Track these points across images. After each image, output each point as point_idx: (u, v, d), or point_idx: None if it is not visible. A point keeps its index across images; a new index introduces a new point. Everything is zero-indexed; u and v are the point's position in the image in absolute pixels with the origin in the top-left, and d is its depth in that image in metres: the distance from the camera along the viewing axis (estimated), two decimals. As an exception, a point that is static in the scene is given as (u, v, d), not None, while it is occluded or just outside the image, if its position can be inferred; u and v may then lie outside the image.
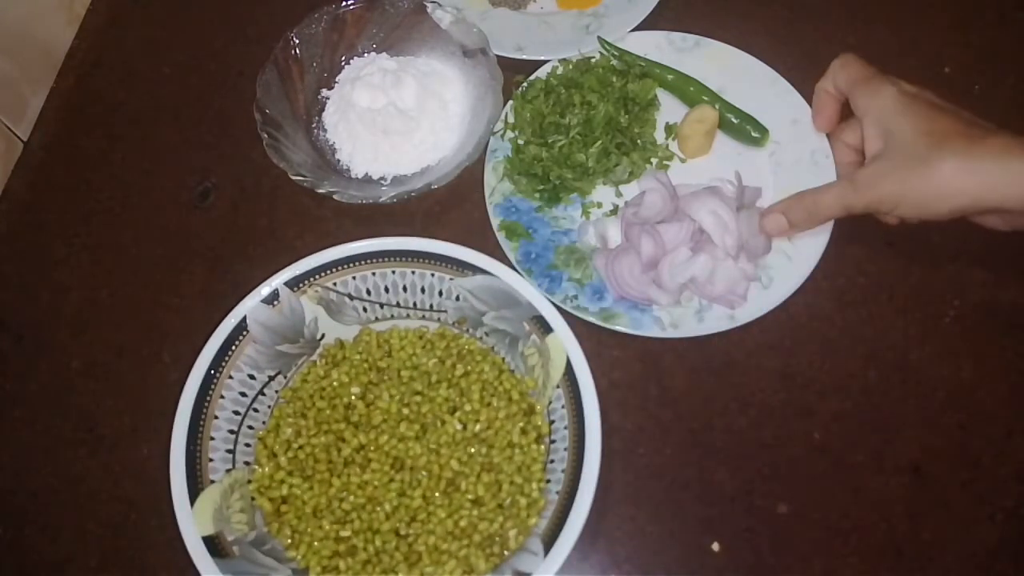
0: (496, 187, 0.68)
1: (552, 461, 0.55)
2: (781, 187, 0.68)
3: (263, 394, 0.58)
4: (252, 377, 0.57)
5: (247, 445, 0.57)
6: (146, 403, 0.64)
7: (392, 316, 0.61)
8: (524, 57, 0.74)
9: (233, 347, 0.56)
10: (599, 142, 0.68)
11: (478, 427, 0.57)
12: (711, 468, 0.60)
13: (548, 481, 0.54)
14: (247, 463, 0.56)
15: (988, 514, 0.57)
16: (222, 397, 0.55)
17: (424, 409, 0.57)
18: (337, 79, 0.75)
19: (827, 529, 0.57)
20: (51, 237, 0.72)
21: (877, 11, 0.78)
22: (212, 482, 0.53)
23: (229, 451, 0.55)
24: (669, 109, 0.72)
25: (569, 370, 0.54)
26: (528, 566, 0.50)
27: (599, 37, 0.73)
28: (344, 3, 0.73)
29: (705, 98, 0.71)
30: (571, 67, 0.72)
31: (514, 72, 0.72)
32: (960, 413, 0.60)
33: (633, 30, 0.74)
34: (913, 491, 0.58)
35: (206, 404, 0.54)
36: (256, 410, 0.58)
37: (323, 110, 0.74)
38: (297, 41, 0.72)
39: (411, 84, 0.71)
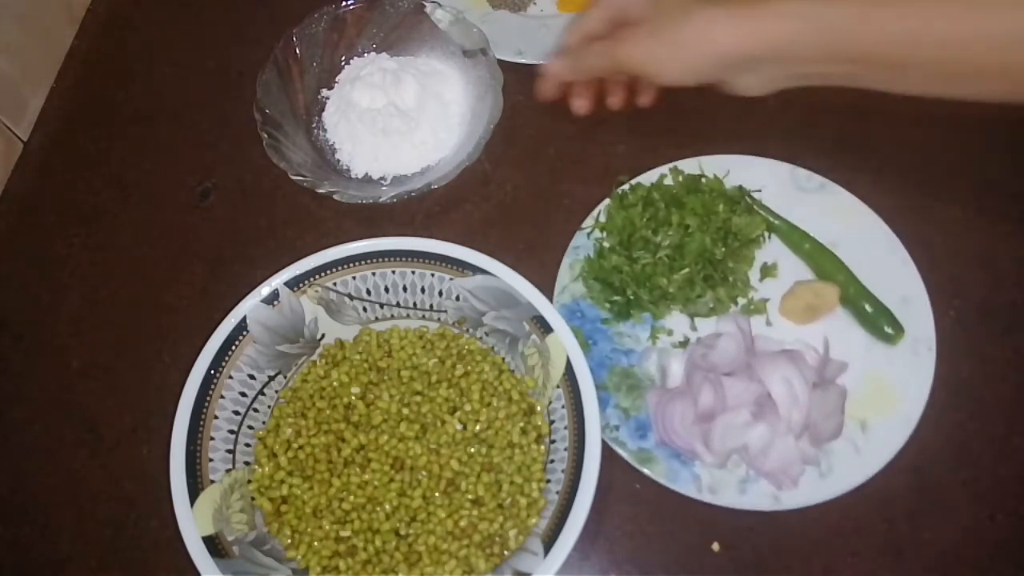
0: (568, 286, 0.63)
1: (552, 461, 0.55)
2: (869, 367, 0.60)
3: (263, 394, 0.58)
4: (252, 377, 0.57)
5: (247, 445, 0.57)
6: (146, 403, 0.64)
7: (392, 316, 0.61)
8: (524, 61, 0.74)
9: (233, 347, 0.56)
10: (686, 270, 0.62)
11: (478, 427, 0.57)
12: (711, 468, 0.60)
13: (548, 481, 0.54)
14: (247, 463, 0.56)
15: (988, 514, 0.57)
16: (222, 397, 0.55)
17: (424, 409, 0.58)
18: (337, 79, 0.75)
19: (827, 529, 0.57)
20: (51, 237, 0.72)
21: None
22: (212, 482, 0.53)
23: (229, 451, 0.55)
24: (772, 248, 0.65)
25: (569, 370, 0.54)
26: (528, 566, 0.50)
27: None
28: (344, 3, 0.73)
29: (840, 277, 0.62)
30: (680, 181, 0.66)
31: (514, 72, 0.72)
32: (960, 413, 0.60)
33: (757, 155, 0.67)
34: (913, 491, 0.58)
35: (206, 404, 0.55)
36: (256, 410, 0.58)
37: (323, 110, 0.74)
38: (297, 41, 0.72)
39: (411, 84, 0.71)
